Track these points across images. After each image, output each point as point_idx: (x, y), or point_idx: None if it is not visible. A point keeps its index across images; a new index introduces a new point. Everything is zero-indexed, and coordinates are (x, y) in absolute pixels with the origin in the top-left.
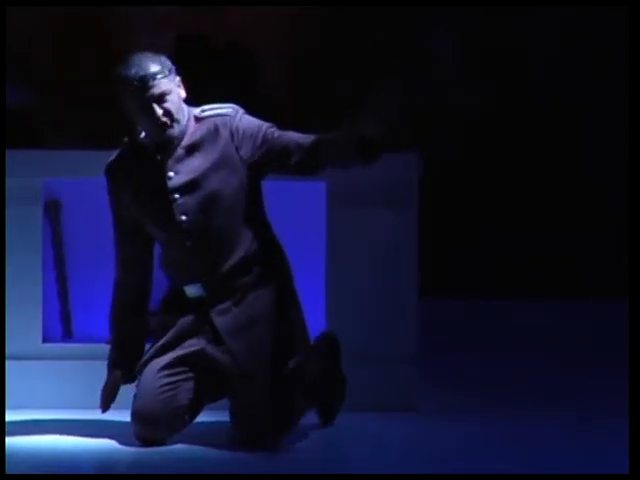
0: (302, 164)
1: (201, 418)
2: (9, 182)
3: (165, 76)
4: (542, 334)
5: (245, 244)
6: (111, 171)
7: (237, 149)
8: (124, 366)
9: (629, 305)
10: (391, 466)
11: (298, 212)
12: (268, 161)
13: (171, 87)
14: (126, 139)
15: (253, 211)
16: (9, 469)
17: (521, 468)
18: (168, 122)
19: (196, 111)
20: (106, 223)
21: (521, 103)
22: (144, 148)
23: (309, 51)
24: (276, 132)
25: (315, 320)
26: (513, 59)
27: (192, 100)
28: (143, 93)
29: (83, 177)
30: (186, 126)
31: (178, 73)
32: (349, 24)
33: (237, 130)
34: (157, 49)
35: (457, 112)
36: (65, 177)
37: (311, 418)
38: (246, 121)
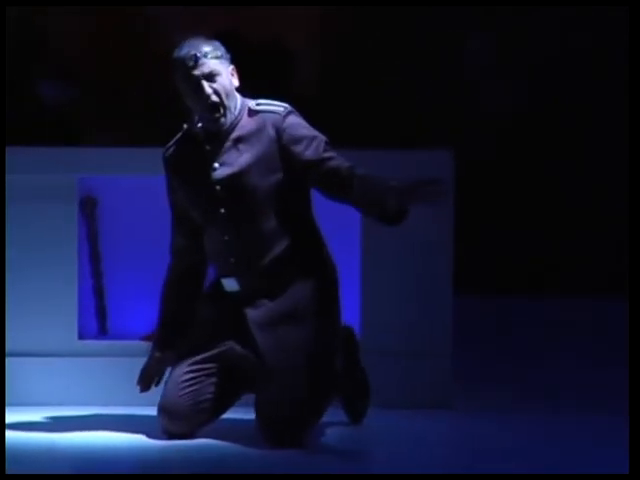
0: (332, 190)
1: (231, 414)
2: (46, 179)
3: (216, 57)
4: (573, 331)
5: (283, 243)
6: (165, 156)
7: (280, 150)
8: (167, 348)
9: None
10: (424, 465)
11: (333, 210)
12: (306, 172)
13: (222, 69)
14: (185, 125)
15: (294, 211)
16: (47, 465)
17: (532, 468)
18: (217, 102)
19: (251, 103)
20: (141, 219)
21: (551, 103)
22: (196, 137)
23: (342, 50)
24: (321, 148)
25: (350, 318)
26: (544, 59)
27: None
28: (192, 70)
29: (119, 174)
30: (237, 117)
31: (232, 62)
32: (381, 23)
33: (284, 130)
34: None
35: (489, 112)
36: (101, 174)
37: (341, 416)
38: (296, 124)
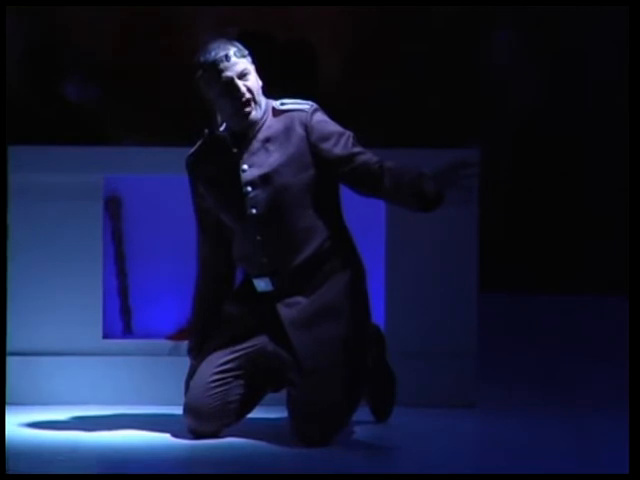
0: (363, 186)
1: (256, 413)
2: (71, 178)
3: (243, 56)
4: (600, 330)
5: (315, 241)
6: (189, 162)
7: (310, 146)
8: (201, 352)
9: None
10: (448, 465)
11: (358, 209)
12: (336, 168)
13: (251, 69)
14: (206, 130)
15: (325, 208)
16: (72, 465)
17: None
18: (251, 99)
19: (275, 103)
20: (166, 219)
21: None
22: (222, 140)
23: (366, 49)
24: (350, 143)
25: (375, 317)
26: (572, 58)
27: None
28: (225, 71)
29: (143, 174)
30: (263, 117)
31: (252, 62)
32: (407, 22)
33: (313, 127)
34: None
35: (515, 111)
36: (126, 173)
37: (367, 414)
38: (323, 121)
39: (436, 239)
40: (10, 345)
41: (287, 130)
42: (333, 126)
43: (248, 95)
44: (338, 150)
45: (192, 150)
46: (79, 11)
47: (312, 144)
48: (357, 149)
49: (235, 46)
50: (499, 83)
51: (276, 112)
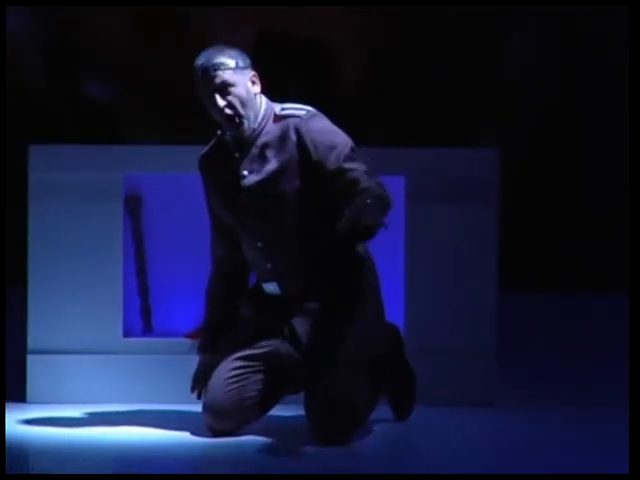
0: (343, 204)
1: (276, 411)
2: (91, 177)
3: (230, 68)
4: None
5: (318, 243)
6: (200, 163)
7: (303, 153)
8: (214, 353)
9: None
10: (468, 464)
11: None
12: (325, 181)
13: (237, 80)
14: (219, 132)
15: (326, 211)
16: (91, 464)
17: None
18: (231, 114)
19: (277, 109)
20: (186, 218)
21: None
22: (226, 144)
23: (384, 48)
24: (340, 158)
25: (395, 316)
26: (586, 57)
27: (274, 95)
28: (206, 82)
29: (164, 172)
30: (262, 124)
31: (255, 69)
32: (425, 22)
33: (305, 135)
34: (237, 46)
35: (532, 110)
36: (147, 172)
37: (387, 413)
38: (317, 129)
39: (456, 238)
40: (30, 344)
41: (283, 136)
42: (328, 135)
43: (227, 110)
44: (328, 164)
45: (204, 151)
46: (99, 10)
47: (304, 152)
48: (348, 165)
49: (224, 56)
50: (516, 83)
51: (276, 117)
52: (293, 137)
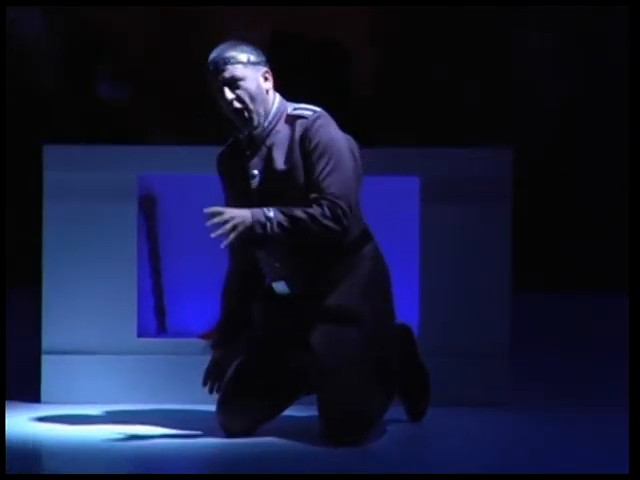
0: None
1: (290, 412)
2: (105, 177)
3: (241, 62)
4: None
5: (325, 243)
6: (218, 161)
7: (304, 154)
8: (226, 349)
9: None
10: (482, 465)
11: (391, 207)
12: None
13: (247, 74)
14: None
15: None
16: (105, 464)
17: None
18: (240, 108)
19: (289, 109)
20: (200, 218)
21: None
22: (240, 142)
23: (399, 48)
24: (327, 168)
25: (409, 318)
26: (604, 56)
27: (287, 95)
28: (215, 76)
29: (178, 172)
30: (272, 122)
31: (269, 66)
32: (439, 22)
33: (306, 137)
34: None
35: (546, 110)
36: (161, 172)
37: (401, 414)
38: (319, 133)
39: (470, 239)
40: (45, 344)
41: (290, 137)
42: (325, 139)
43: (236, 104)
44: (311, 170)
45: (221, 150)
46: (114, 10)
47: (303, 153)
48: (324, 183)
49: (236, 50)
50: (530, 83)
51: (288, 117)
52: (298, 138)
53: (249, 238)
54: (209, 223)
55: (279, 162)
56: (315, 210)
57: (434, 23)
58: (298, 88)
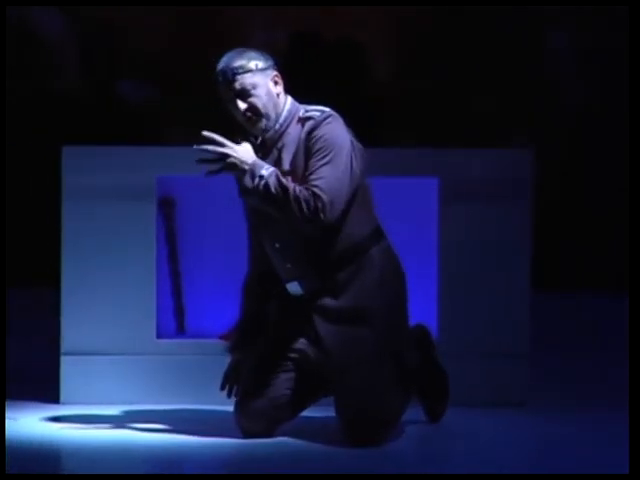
0: None
1: (308, 412)
2: (124, 178)
3: (249, 70)
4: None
5: (336, 243)
6: None
7: (307, 154)
8: (245, 352)
9: None
10: (501, 465)
11: (410, 208)
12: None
13: (257, 81)
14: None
15: (341, 211)
16: (124, 465)
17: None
18: (253, 117)
19: (301, 111)
20: (219, 219)
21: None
22: (253, 145)
23: (416, 49)
24: (321, 169)
25: (427, 318)
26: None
27: (302, 97)
28: (226, 87)
29: (196, 174)
30: (284, 125)
31: (288, 70)
32: (458, 22)
33: (311, 134)
34: (269, 46)
35: (568, 111)
36: (180, 173)
37: (419, 414)
38: (324, 133)
39: (489, 239)
40: (64, 345)
41: (299, 138)
42: (327, 135)
43: (248, 114)
44: (310, 162)
45: None
46: (134, 11)
47: (306, 150)
48: (315, 173)
49: (243, 59)
50: (550, 84)
51: (299, 119)
52: (304, 137)
53: (238, 183)
54: (199, 147)
55: (287, 162)
56: (303, 194)
57: (454, 23)
58: (316, 90)
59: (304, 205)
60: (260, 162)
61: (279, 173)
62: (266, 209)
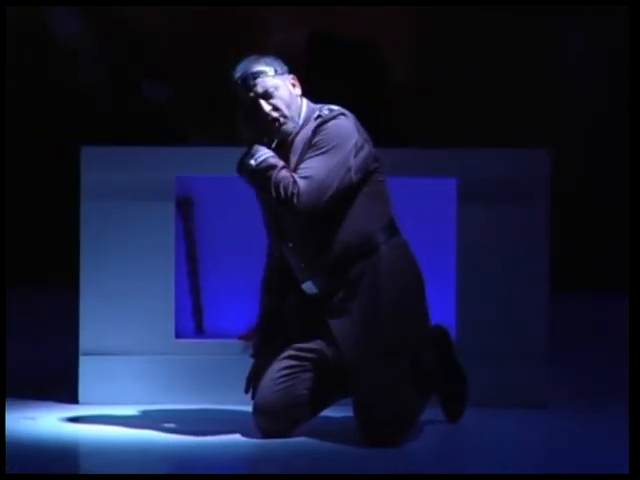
0: None
1: (327, 412)
2: (143, 178)
3: (268, 75)
4: None
5: (350, 242)
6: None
7: (309, 146)
8: (264, 353)
9: None
10: (517, 465)
11: (428, 208)
12: None
13: (277, 83)
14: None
15: (351, 210)
16: (143, 465)
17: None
18: (278, 117)
19: (316, 112)
20: (237, 219)
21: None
22: (268, 145)
23: (435, 49)
24: (315, 159)
25: (446, 319)
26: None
27: (320, 96)
28: (247, 91)
29: (215, 174)
30: (302, 126)
31: (306, 72)
32: (476, 22)
33: (316, 132)
34: (288, 47)
35: (586, 111)
36: (197, 173)
37: (438, 415)
38: (328, 130)
39: (507, 240)
40: (82, 345)
41: (308, 136)
42: (330, 130)
43: (274, 114)
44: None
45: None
46: (154, 11)
47: (310, 145)
48: (306, 161)
49: (262, 63)
50: (568, 84)
51: (315, 119)
52: (311, 135)
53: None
54: None
55: (295, 160)
56: (285, 178)
57: (473, 23)
58: (334, 90)
59: (282, 189)
60: (262, 147)
61: (275, 156)
62: (254, 187)
